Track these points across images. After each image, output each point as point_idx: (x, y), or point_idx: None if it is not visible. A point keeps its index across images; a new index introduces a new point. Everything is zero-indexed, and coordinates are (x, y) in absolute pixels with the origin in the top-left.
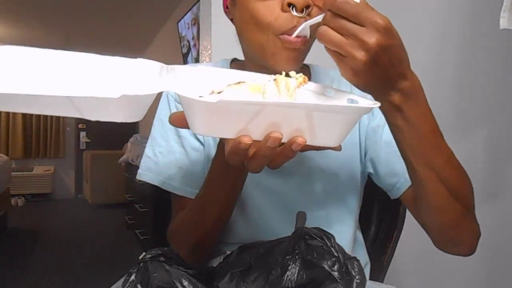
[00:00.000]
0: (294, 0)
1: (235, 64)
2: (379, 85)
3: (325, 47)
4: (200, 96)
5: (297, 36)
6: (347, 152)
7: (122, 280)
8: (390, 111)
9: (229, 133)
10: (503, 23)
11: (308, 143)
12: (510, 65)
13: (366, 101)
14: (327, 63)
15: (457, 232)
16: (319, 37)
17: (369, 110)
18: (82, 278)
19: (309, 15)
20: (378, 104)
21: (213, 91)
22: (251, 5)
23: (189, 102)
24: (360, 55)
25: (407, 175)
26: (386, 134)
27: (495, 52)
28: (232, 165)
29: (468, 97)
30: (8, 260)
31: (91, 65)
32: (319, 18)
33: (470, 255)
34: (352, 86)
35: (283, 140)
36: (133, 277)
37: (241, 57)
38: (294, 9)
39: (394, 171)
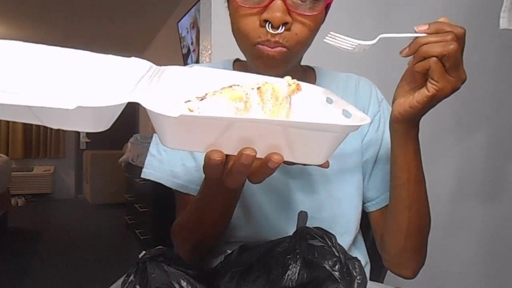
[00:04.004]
0: (269, 17)
1: (237, 64)
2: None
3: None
4: (188, 101)
5: (272, 47)
6: (350, 153)
7: (121, 280)
8: (406, 135)
9: (199, 147)
10: (503, 23)
11: (288, 159)
12: (510, 65)
13: (358, 115)
14: (332, 65)
15: (412, 257)
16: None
17: (353, 128)
18: (82, 278)
19: (289, 31)
20: (367, 121)
21: (206, 94)
22: (236, 16)
23: (154, 116)
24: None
25: (386, 195)
26: (382, 151)
27: (495, 52)
28: (211, 179)
29: (468, 97)
30: (8, 260)
31: (80, 62)
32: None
33: (411, 279)
34: (357, 95)
35: (260, 155)
36: (132, 277)
37: (242, 57)
38: (270, 25)
39: (379, 187)
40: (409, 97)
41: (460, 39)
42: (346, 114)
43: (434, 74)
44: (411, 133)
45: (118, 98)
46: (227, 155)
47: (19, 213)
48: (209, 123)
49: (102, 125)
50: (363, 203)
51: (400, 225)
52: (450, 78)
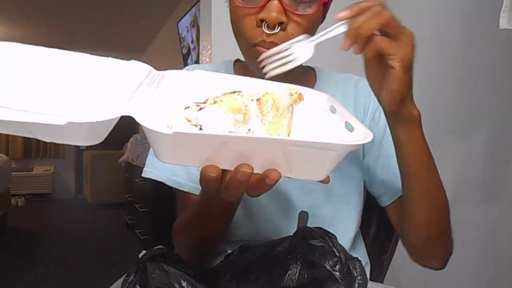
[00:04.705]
0: (265, 17)
1: (238, 65)
2: (410, 89)
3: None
4: (187, 107)
5: (268, 48)
6: (351, 153)
7: (121, 280)
8: (408, 123)
9: (194, 162)
10: (503, 23)
11: (286, 175)
12: (510, 65)
13: (361, 131)
14: (332, 66)
15: (438, 247)
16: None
17: (355, 147)
18: (82, 278)
19: (284, 31)
20: (369, 139)
21: (207, 99)
22: (234, 16)
23: (148, 131)
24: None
25: (397, 186)
26: (386, 145)
27: (495, 52)
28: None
29: (468, 97)
30: (8, 260)
31: (79, 65)
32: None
33: (441, 269)
34: (357, 95)
35: (258, 171)
36: (132, 277)
37: (242, 57)
38: (266, 25)
39: (387, 181)
40: (386, 87)
41: (385, 4)
42: (349, 127)
43: (386, 49)
44: (413, 114)
45: (112, 112)
46: (224, 170)
47: (19, 213)
48: (204, 139)
49: (95, 139)
50: (375, 199)
51: (420, 215)
52: (402, 42)
